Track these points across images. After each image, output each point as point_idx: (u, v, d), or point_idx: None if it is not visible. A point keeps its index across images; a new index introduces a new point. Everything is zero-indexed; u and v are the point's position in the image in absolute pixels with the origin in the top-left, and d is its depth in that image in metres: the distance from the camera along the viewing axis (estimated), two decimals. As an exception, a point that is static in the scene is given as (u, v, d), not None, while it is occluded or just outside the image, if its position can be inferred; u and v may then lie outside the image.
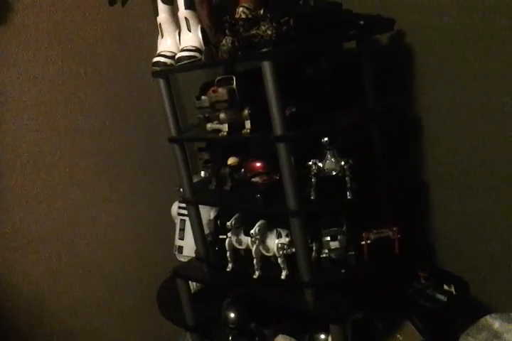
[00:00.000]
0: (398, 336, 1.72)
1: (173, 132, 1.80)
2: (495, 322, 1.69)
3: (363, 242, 1.67)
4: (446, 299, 1.75)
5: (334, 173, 1.57)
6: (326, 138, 1.54)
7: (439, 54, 1.77)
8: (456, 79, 1.76)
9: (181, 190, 1.95)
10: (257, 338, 1.91)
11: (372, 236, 1.68)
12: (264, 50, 1.39)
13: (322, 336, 1.65)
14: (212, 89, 1.53)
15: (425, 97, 1.85)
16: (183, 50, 1.68)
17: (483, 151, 1.76)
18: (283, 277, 1.62)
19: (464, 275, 1.84)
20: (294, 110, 1.54)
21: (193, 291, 2.10)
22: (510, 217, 1.76)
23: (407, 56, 1.85)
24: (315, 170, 1.57)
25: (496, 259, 1.84)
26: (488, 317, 1.71)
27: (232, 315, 1.91)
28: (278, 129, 1.43)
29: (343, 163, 1.55)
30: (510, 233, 1.77)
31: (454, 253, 1.94)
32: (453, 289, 1.78)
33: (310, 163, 1.57)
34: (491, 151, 1.74)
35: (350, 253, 1.64)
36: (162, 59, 1.74)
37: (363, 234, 1.67)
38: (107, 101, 2.41)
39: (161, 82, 1.75)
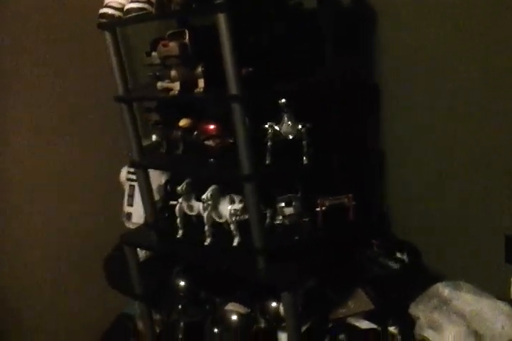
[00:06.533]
0: (350, 304, 1.71)
1: (121, 90, 1.69)
2: (445, 290, 1.70)
3: (318, 209, 1.63)
4: (398, 267, 1.75)
5: (291, 137, 1.51)
6: (283, 100, 1.47)
7: (400, 18, 1.72)
8: (416, 44, 1.71)
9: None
10: (207, 306, 1.87)
11: (327, 203, 1.64)
12: (219, 1, 1.29)
13: (273, 304, 1.62)
14: (162, 42, 1.42)
15: (383, 62, 1.80)
16: (132, 2, 1.55)
17: (439, 116, 1.73)
18: (235, 244, 1.57)
19: (417, 244, 1.84)
20: (250, 70, 1.46)
21: (141, 260, 2.03)
22: (465, 185, 1.75)
23: (367, 19, 1.78)
24: (271, 134, 1.50)
25: (450, 228, 1.84)
26: (438, 284, 1.73)
27: (182, 283, 1.86)
28: (233, 88, 1.34)
29: (300, 126, 1.49)
30: (465, 201, 1.77)
31: (408, 222, 1.93)
32: (405, 257, 1.78)
33: (266, 125, 1.50)
34: (447, 115, 1.71)
35: (305, 219, 1.60)
36: (110, 10, 1.61)
37: (319, 201, 1.63)
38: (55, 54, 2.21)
39: (108, 36, 1.62)
